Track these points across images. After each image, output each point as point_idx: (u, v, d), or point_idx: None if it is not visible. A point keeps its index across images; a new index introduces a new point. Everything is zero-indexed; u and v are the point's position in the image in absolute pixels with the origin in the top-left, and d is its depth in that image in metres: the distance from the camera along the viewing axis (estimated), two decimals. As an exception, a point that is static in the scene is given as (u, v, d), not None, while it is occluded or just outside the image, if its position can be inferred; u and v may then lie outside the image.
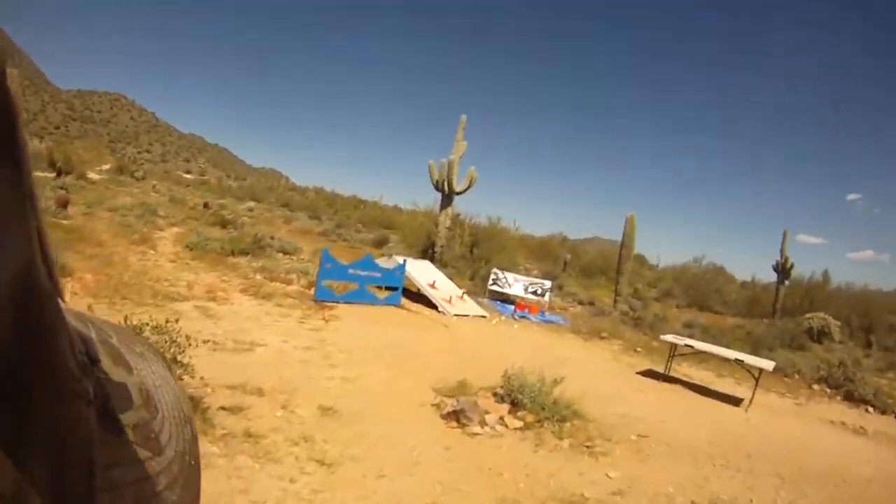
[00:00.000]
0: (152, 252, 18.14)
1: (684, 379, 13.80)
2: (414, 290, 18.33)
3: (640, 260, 43.84)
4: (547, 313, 20.27)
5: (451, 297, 17.81)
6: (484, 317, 17.92)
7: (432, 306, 17.33)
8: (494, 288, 21.45)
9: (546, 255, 41.17)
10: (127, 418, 0.53)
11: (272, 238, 24.16)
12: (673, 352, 13.42)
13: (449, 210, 27.14)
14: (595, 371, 13.03)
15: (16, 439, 0.37)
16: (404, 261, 17.46)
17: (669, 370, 13.61)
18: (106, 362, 0.55)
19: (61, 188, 33.43)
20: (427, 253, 26.74)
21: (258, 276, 16.77)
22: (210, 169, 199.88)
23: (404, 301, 17.21)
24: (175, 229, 24.96)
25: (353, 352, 10.91)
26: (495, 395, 9.13)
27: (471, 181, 27.20)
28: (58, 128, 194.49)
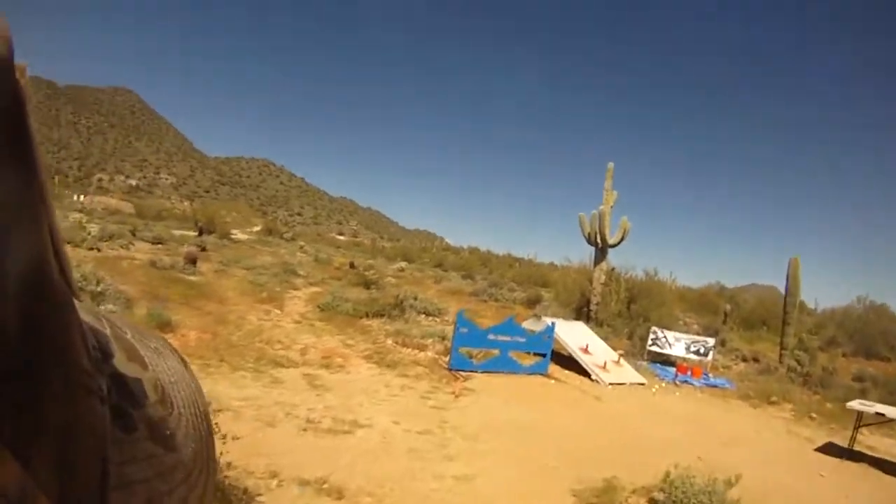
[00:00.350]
0: (277, 312, 17.38)
1: (873, 454, 11.53)
2: (565, 353, 16.35)
3: (800, 305, 39.55)
4: (711, 376, 18.12)
5: (605, 363, 15.84)
6: (642, 384, 15.85)
7: (584, 373, 15.38)
8: (654, 349, 19.24)
9: (704, 308, 37.72)
10: (141, 415, 0.53)
11: (415, 299, 22.67)
12: (859, 422, 11.31)
13: (603, 264, 25.38)
14: (769, 454, 10.82)
15: (23, 437, 0.38)
16: (553, 323, 15.54)
17: (854, 443, 11.43)
18: (120, 358, 0.55)
19: (199, 246, 34.05)
20: (581, 311, 25.26)
21: (389, 341, 15.33)
22: (363, 231, 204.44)
23: (553, 368, 15.31)
24: (313, 289, 24.08)
25: (479, 438, 9.08)
26: (652, 502, 7.10)
27: (624, 232, 25.35)
28: (207, 191, 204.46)
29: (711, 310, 36.81)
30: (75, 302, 0.46)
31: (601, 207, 25.35)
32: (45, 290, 0.39)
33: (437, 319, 21.03)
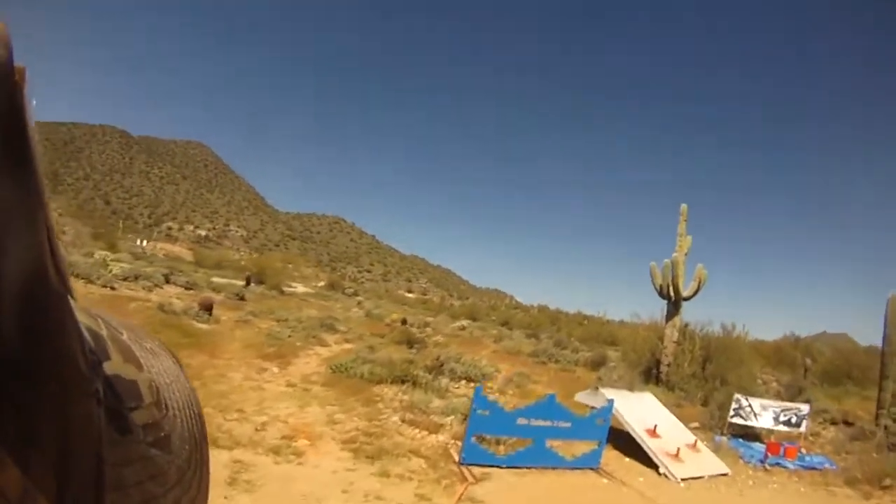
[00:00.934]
0: (275, 370, 15.35)
1: None
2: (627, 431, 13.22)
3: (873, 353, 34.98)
4: (805, 453, 14.99)
5: (678, 449, 12.35)
6: (725, 474, 12.52)
7: (650, 462, 11.95)
8: (736, 420, 15.82)
9: (781, 362, 34.55)
10: (136, 416, 0.52)
11: (458, 361, 20.25)
12: None
13: (676, 319, 22.64)
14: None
15: (22, 439, 0.38)
16: (611, 402, 12.00)
17: None
18: (116, 359, 0.53)
19: (239, 295, 33.94)
20: (650, 373, 22.74)
21: (394, 418, 12.22)
22: (432, 289, 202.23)
23: (610, 454, 12.03)
24: (345, 346, 22.08)
25: None
26: None
27: (699, 283, 22.76)
28: (277, 245, 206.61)
29: (788, 363, 34.23)
30: (72, 303, 0.45)
31: (674, 255, 22.91)
32: (42, 291, 0.39)
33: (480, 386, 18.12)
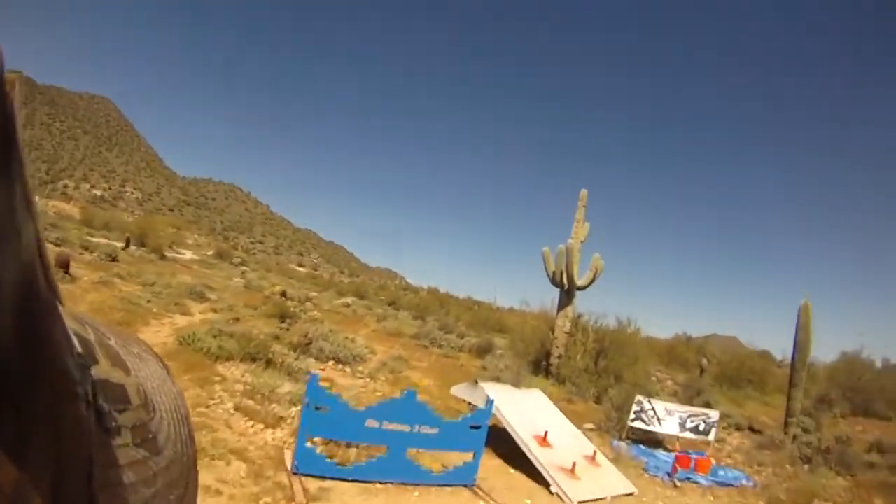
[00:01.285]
0: None
1: None
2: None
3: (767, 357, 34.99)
4: (720, 467, 13.35)
5: (573, 464, 10.20)
6: (630, 494, 10.58)
7: (540, 478, 9.87)
8: (638, 424, 14.16)
9: (674, 361, 34.66)
10: (125, 419, 0.54)
11: (328, 339, 18.64)
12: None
13: (569, 310, 21.54)
14: None
15: (17, 440, 0.39)
16: (490, 402, 9.61)
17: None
18: (104, 364, 0.55)
19: (111, 256, 32.15)
20: (540, 365, 21.59)
21: (227, 405, 10.00)
22: (324, 264, 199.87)
23: (491, 464, 10.19)
24: (210, 315, 20.30)
25: None
26: None
27: (595, 272, 21.78)
28: (172, 210, 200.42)
29: (681, 363, 34.35)
30: (60, 309, 0.47)
31: (570, 241, 21.69)
32: (31, 297, 0.40)
33: (348, 370, 16.73)
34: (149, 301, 19.52)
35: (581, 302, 21.93)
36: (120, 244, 40.52)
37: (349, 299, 48.59)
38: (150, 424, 0.56)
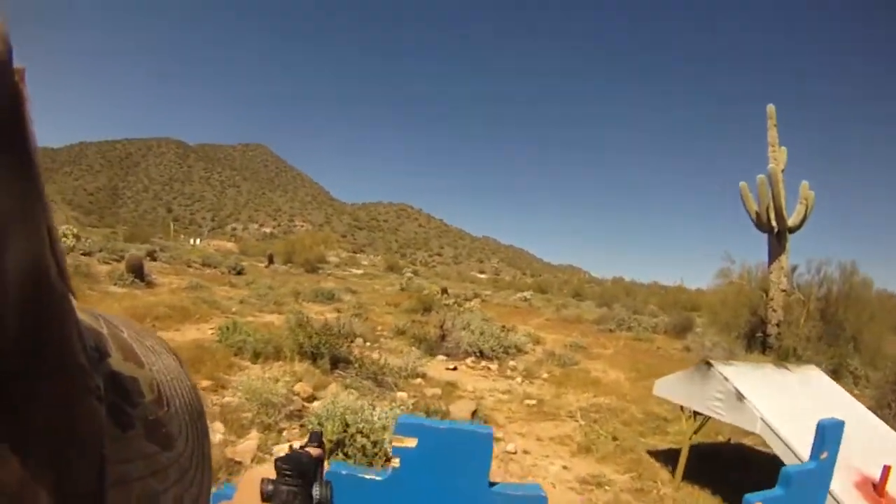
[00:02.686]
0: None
1: None
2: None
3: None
4: None
5: None
6: None
7: None
8: None
9: None
10: (137, 413, 0.52)
11: (469, 329, 15.87)
12: None
13: (783, 259, 16.99)
14: None
15: (22, 435, 0.38)
16: (837, 425, 4.15)
17: None
18: (116, 357, 0.53)
19: (236, 270, 32.92)
20: (755, 337, 17.51)
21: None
22: (505, 268, 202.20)
23: None
24: (327, 313, 17.45)
25: None
26: None
27: (807, 207, 17.18)
28: (344, 236, 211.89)
29: None
30: (73, 301, 0.45)
31: (770, 167, 17.11)
32: (43, 289, 0.39)
33: (493, 367, 14.22)
34: (241, 302, 18.67)
35: (794, 250, 17.21)
36: (263, 264, 42.77)
37: (527, 293, 48.12)
38: (164, 419, 0.53)
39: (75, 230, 32.48)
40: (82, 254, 26.33)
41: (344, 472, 2.19)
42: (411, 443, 2.19)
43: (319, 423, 6.39)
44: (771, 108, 17.79)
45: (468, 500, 2.29)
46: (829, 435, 4.05)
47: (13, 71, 0.34)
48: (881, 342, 16.26)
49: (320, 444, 1.73)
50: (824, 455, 4.01)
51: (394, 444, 2.14)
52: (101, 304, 14.38)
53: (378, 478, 2.20)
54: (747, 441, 9.32)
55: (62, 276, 0.42)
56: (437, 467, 2.26)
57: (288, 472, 1.44)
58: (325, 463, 1.83)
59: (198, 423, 0.61)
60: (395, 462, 2.18)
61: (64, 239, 28.34)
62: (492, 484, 2.41)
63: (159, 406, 0.53)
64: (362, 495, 2.15)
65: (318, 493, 1.47)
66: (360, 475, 2.16)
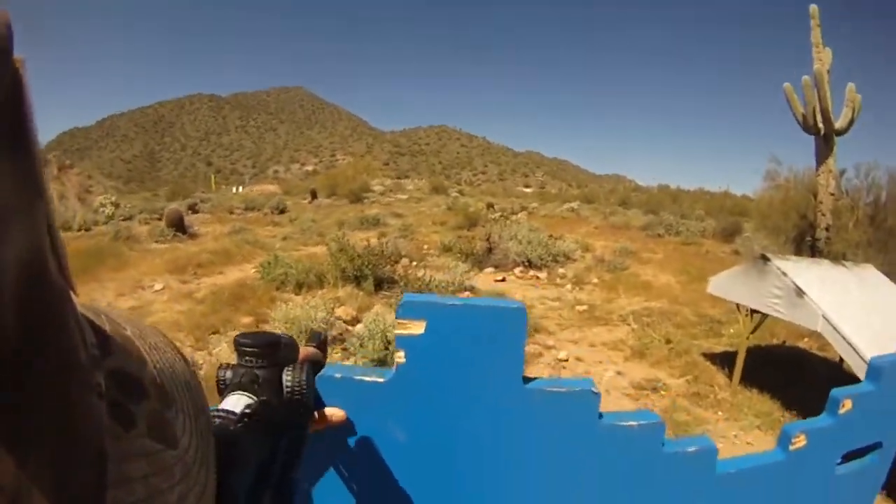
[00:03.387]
0: (159, 287, 11.99)
1: None
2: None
3: None
4: None
5: None
6: None
7: None
8: None
9: None
10: (139, 410, 0.53)
11: (516, 238, 16.01)
12: None
13: (830, 162, 15.62)
14: None
15: (19, 432, 0.38)
16: None
17: None
18: (118, 354, 0.54)
19: (280, 209, 33.50)
20: (804, 242, 16.95)
21: None
22: (550, 181, 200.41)
23: None
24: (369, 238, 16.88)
25: None
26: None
27: (854, 110, 15.60)
28: (387, 164, 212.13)
29: None
30: (73, 297, 0.45)
31: (816, 67, 15.71)
32: (42, 284, 0.39)
33: (542, 276, 14.27)
34: (284, 238, 19.47)
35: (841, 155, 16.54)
36: (307, 201, 43.49)
37: (574, 204, 48.10)
38: (166, 415, 0.54)
39: (113, 198, 32.81)
40: (122, 219, 26.39)
41: (338, 376, 1.80)
42: (419, 328, 1.78)
43: (361, 345, 6.17)
44: (814, 7, 16.44)
45: (496, 401, 1.86)
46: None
47: (14, 60, 0.34)
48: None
49: (320, 347, 1.35)
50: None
51: (397, 331, 1.67)
52: (143, 262, 14.60)
53: (380, 379, 1.80)
54: (802, 344, 9.33)
55: (63, 271, 0.42)
56: (453, 359, 1.82)
57: (249, 350, 1.07)
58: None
59: (201, 420, 0.60)
60: (401, 357, 1.76)
61: (102, 209, 28.93)
62: (528, 380, 2.03)
63: (162, 404, 0.53)
64: (362, 402, 1.74)
65: (289, 378, 1.10)
66: (357, 377, 1.75)
